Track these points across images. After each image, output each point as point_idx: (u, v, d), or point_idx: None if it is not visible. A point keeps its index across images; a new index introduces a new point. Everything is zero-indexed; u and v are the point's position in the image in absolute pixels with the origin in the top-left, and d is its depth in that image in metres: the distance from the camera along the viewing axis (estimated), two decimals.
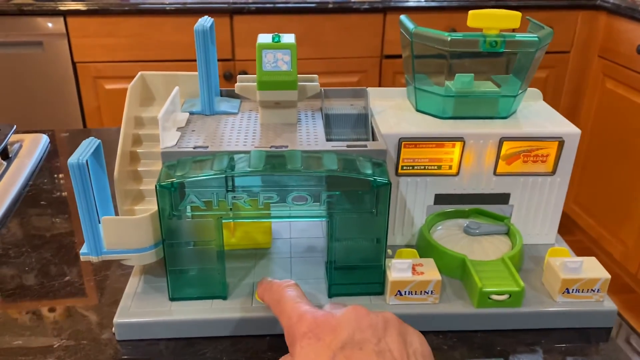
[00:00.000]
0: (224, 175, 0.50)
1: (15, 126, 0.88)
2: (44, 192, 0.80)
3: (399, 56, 2.11)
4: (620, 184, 1.95)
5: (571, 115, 2.11)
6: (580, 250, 2.27)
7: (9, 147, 0.87)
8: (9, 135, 0.85)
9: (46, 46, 1.86)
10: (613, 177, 1.99)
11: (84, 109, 1.97)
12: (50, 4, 1.81)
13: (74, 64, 1.90)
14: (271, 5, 1.86)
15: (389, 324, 0.41)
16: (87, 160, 0.49)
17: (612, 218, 2.01)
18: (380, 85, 2.03)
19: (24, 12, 1.81)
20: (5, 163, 0.84)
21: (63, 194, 0.80)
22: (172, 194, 0.50)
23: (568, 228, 2.31)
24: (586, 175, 2.13)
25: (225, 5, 1.84)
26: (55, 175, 0.85)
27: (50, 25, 1.83)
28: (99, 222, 0.52)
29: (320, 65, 1.95)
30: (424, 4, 1.91)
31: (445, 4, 1.92)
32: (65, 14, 1.82)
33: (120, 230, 0.51)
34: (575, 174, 2.17)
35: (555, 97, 2.10)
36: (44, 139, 0.93)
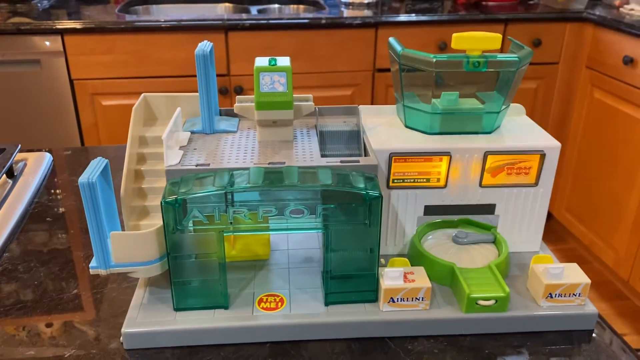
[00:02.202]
0: (225, 191, 0.53)
1: (19, 145, 0.91)
2: (49, 209, 0.83)
3: None
4: (610, 192, 1.99)
5: (561, 125, 2.16)
6: (573, 257, 2.30)
7: (14, 165, 0.90)
8: (14, 155, 0.88)
9: (44, 64, 1.89)
10: (603, 185, 2.02)
11: (81, 126, 2.00)
12: (48, 22, 1.84)
13: (71, 81, 1.92)
14: (265, 21, 1.90)
15: None
16: (96, 179, 0.52)
17: (604, 225, 2.05)
18: (373, 98, 2.07)
19: (22, 31, 1.84)
20: (10, 182, 0.87)
21: (67, 210, 0.83)
22: (176, 210, 0.53)
23: (561, 236, 2.35)
24: (577, 184, 2.17)
25: (220, 22, 1.88)
26: (59, 193, 0.88)
27: (47, 43, 1.86)
28: (108, 237, 0.55)
29: (314, 79, 1.98)
30: (414, 18, 1.96)
31: (435, 18, 1.96)
32: (63, 32, 1.85)
33: (128, 245, 0.54)
34: (566, 183, 2.22)
35: (544, 107, 2.14)
36: (47, 158, 0.96)
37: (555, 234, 2.36)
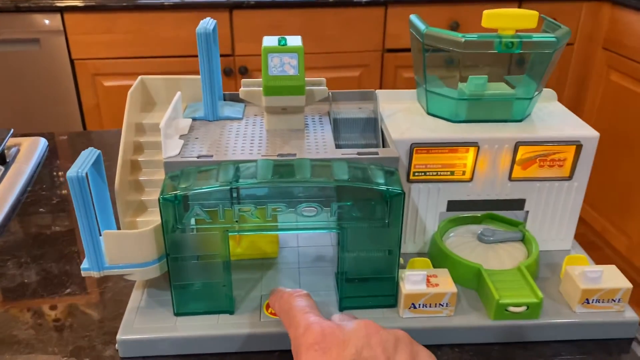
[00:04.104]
0: (230, 187, 0.48)
1: (12, 130, 0.86)
2: (43, 199, 0.78)
3: (401, 50, 2.08)
4: (624, 177, 1.93)
5: (575, 108, 2.09)
6: (585, 244, 2.23)
7: (6, 151, 0.85)
8: (5, 140, 0.83)
9: (43, 43, 1.83)
10: (618, 170, 1.97)
11: (82, 107, 1.94)
12: (47, 0, 1.78)
13: (71, 61, 1.87)
14: None
15: (400, 342, 0.39)
16: (86, 173, 0.47)
17: (617, 211, 2.00)
18: (382, 79, 2.01)
19: (20, 9, 1.78)
20: (2, 168, 0.82)
21: (62, 200, 0.78)
22: (175, 207, 0.48)
23: None
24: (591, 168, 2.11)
25: (225, 0, 1.81)
26: (54, 180, 0.83)
27: (47, 22, 1.80)
28: (100, 236, 0.50)
29: (321, 59, 1.92)
30: None
31: None
32: (62, 10, 1.79)
33: (122, 245, 0.49)
34: None
35: (559, 89, 2.07)
36: (42, 143, 0.91)
37: None
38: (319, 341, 0.38)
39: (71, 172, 0.45)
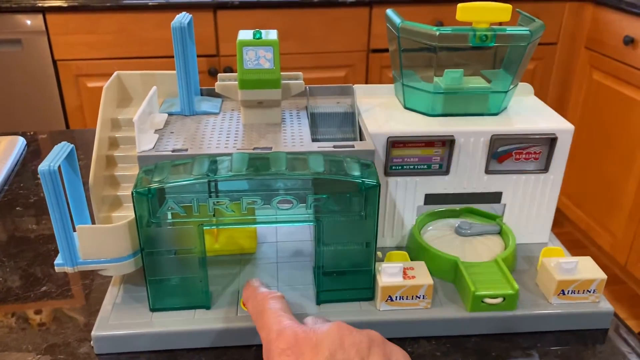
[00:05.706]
0: (204, 180, 0.47)
1: None
2: (20, 197, 0.77)
3: (386, 50, 2.09)
4: (608, 175, 1.95)
5: (559, 107, 2.11)
6: (570, 242, 2.26)
7: None
8: None
9: (25, 44, 1.82)
10: (601, 168, 1.98)
11: (66, 108, 1.93)
12: (29, 0, 1.76)
13: (54, 62, 1.85)
14: None
15: (373, 343, 0.39)
16: (59, 166, 0.46)
17: (601, 209, 2.01)
18: (367, 80, 2.01)
19: (1, 10, 1.76)
20: None
21: (40, 199, 0.77)
22: (149, 201, 0.47)
23: (557, 220, 2.31)
24: (575, 167, 2.12)
25: (209, 0, 1.81)
26: (33, 179, 0.82)
27: (28, 22, 1.79)
28: (74, 231, 0.50)
29: (306, 60, 1.92)
30: None
31: None
32: (45, 10, 1.78)
33: (96, 239, 0.49)
34: None
35: (542, 89, 2.09)
36: (20, 141, 0.90)
37: None
38: (292, 346, 0.38)
39: (43, 166, 0.45)
